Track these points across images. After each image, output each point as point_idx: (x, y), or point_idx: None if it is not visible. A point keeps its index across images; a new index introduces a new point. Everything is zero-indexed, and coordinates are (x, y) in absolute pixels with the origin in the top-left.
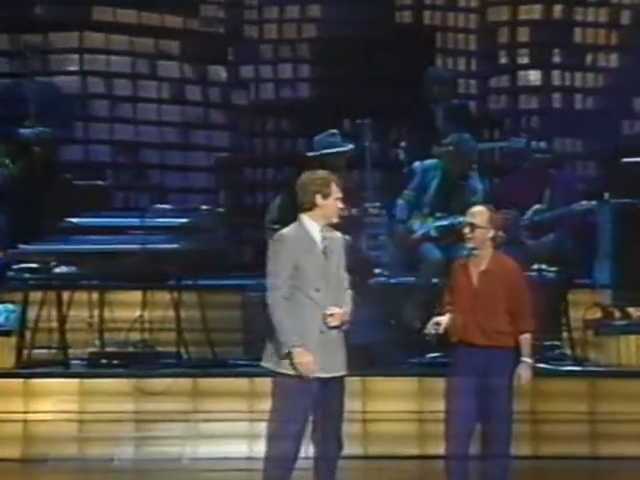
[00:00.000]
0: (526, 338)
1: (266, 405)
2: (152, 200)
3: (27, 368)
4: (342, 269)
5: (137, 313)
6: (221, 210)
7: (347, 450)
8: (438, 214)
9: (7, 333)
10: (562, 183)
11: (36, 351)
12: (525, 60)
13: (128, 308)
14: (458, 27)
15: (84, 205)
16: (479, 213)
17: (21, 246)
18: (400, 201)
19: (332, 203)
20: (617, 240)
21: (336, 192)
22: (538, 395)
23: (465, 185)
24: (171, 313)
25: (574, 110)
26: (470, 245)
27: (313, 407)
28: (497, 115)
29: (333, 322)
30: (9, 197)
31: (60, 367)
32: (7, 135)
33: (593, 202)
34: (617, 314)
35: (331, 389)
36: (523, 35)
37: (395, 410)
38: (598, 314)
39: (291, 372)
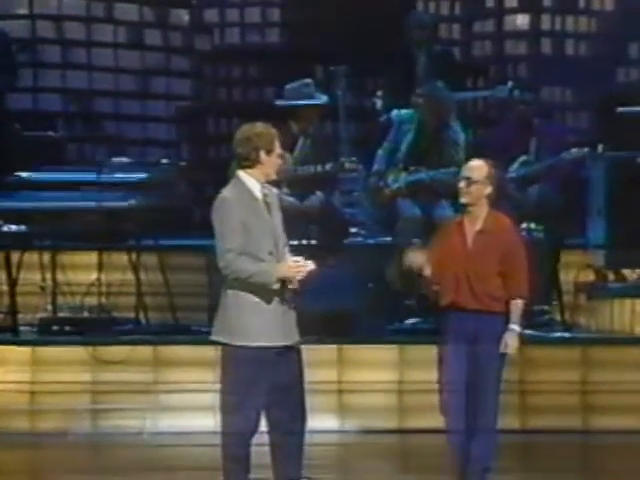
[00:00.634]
0: (517, 304)
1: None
2: (108, 153)
3: None
4: (282, 229)
5: (93, 276)
6: (183, 164)
7: (321, 424)
8: (412, 168)
9: None
10: (550, 133)
11: None
12: (512, 3)
13: (83, 270)
14: None
15: (34, 158)
16: (477, 167)
17: None
18: (379, 152)
19: (274, 160)
20: (611, 196)
21: (278, 147)
22: (526, 364)
23: (444, 137)
24: (130, 276)
25: (565, 56)
26: (464, 201)
27: (271, 378)
28: (482, 62)
29: (294, 283)
30: None
31: (9, 334)
32: None
33: (585, 149)
34: (611, 276)
35: (289, 357)
36: None
37: (373, 380)
38: (590, 276)
39: (247, 343)
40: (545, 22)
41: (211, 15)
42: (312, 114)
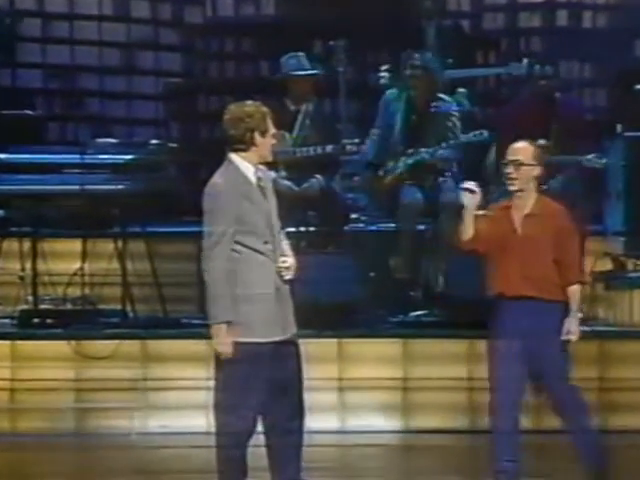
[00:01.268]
0: (575, 290)
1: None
2: (92, 133)
3: None
4: (277, 214)
5: (76, 265)
6: (173, 145)
7: (321, 423)
8: (410, 151)
9: None
10: (570, 113)
11: None
12: None
13: (65, 259)
14: None
15: (12, 139)
16: (522, 149)
17: None
18: (368, 142)
19: (269, 140)
20: (631, 179)
21: (272, 126)
22: None
23: (436, 111)
24: (115, 265)
25: (581, 29)
26: (513, 187)
27: (268, 375)
28: (493, 35)
29: (289, 274)
30: None
31: None
32: None
33: (603, 160)
34: (630, 265)
35: (286, 352)
36: None
37: (375, 377)
38: (608, 265)
39: (242, 339)
40: None
41: None
42: (305, 87)
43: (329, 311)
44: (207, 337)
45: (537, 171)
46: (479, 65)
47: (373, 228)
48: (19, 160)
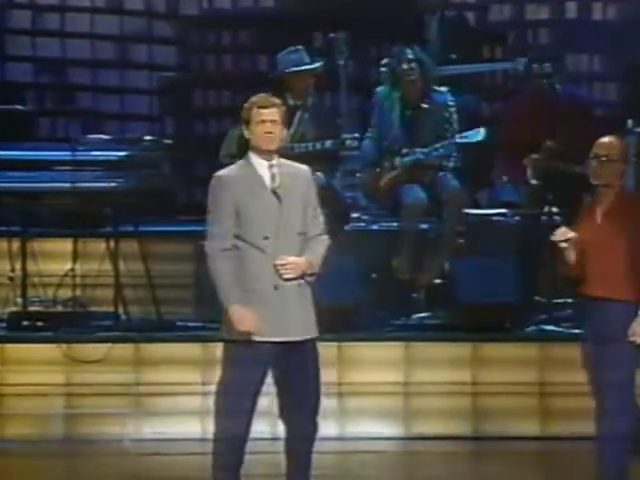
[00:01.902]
0: None
1: None
2: (84, 129)
3: None
4: (308, 210)
5: (67, 265)
6: (167, 141)
7: (320, 430)
8: (404, 150)
9: None
10: (578, 107)
11: None
12: None
13: (56, 259)
14: None
15: (1, 134)
16: (610, 145)
17: None
18: (365, 142)
19: (255, 129)
20: None
21: (257, 115)
22: (547, 364)
23: (431, 105)
24: (108, 266)
25: (591, 21)
26: (598, 182)
27: (275, 378)
28: (499, 28)
29: (288, 273)
30: None
31: None
32: None
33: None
34: None
35: (296, 356)
36: None
37: (376, 381)
38: None
39: (237, 337)
40: None
41: None
42: (304, 82)
43: (328, 313)
44: (203, 340)
45: (622, 167)
46: (485, 60)
47: (374, 227)
48: (8, 157)
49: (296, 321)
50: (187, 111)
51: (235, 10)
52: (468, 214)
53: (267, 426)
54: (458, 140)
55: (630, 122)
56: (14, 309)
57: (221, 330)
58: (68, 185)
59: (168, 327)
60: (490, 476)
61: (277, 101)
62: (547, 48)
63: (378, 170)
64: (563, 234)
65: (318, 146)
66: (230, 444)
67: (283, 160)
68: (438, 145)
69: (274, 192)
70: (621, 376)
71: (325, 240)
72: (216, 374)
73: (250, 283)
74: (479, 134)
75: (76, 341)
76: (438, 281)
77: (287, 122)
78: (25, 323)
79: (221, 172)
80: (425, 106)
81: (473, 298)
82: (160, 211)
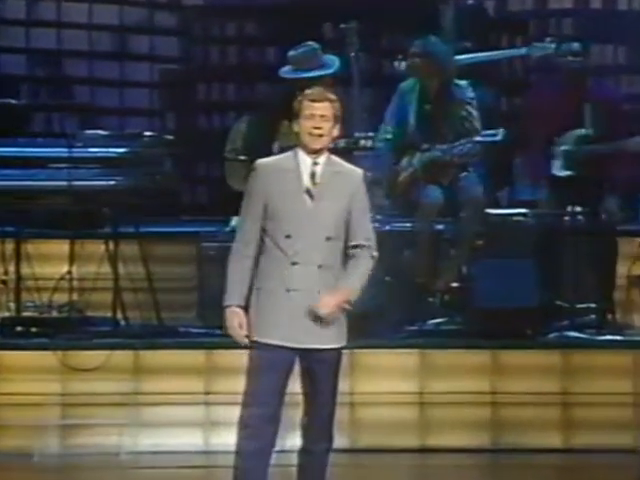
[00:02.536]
0: None
1: (226, 385)
2: (81, 124)
3: None
4: (352, 216)
5: (63, 268)
6: (169, 137)
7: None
8: (424, 146)
9: None
10: (606, 98)
11: None
12: None
13: (52, 262)
14: None
15: None
16: None
17: None
18: (381, 137)
19: (303, 123)
20: None
21: (306, 108)
22: (570, 372)
23: (451, 99)
24: (106, 268)
25: (616, 11)
26: None
27: (302, 385)
28: (520, 17)
29: (325, 310)
30: None
31: None
32: None
33: None
34: None
35: (313, 365)
36: None
37: (390, 391)
38: None
39: (257, 338)
40: None
41: None
42: (322, 85)
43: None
44: (206, 347)
45: None
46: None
47: (388, 228)
48: (1, 153)
49: (309, 328)
50: (190, 105)
51: None
52: (487, 214)
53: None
54: (479, 139)
55: None
56: (7, 314)
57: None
58: (64, 183)
59: (170, 333)
60: None
61: (332, 96)
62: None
63: (394, 167)
64: None
65: (330, 145)
66: (250, 457)
67: (334, 158)
68: (457, 143)
69: (307, 191)
70: None
71: (367, 257)
72: (220, 383)
73: (264, 281)
74: (499, 134)
75: (72, 348)
76: (455, 285)
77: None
78: (19, 329)
79: (260, 161)
80: (443, 101)
81: (492, 303)
82: (161, 211)
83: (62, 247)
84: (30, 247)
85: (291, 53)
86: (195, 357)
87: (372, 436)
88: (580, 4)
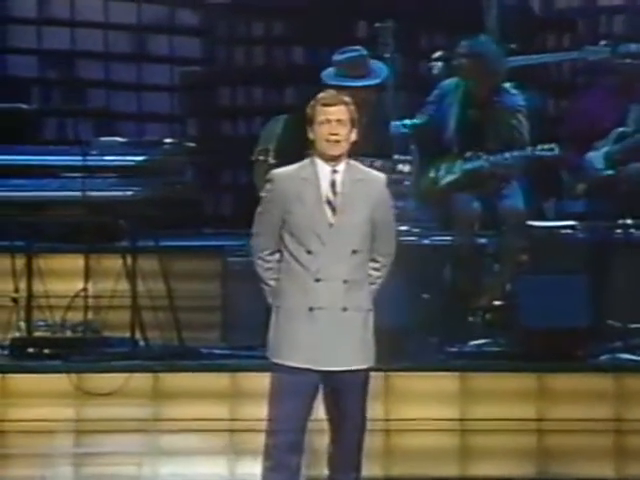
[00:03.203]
0: None
1: (252, 410)
2: (96, 130)
3: None
4: (378, 226)
5: (77, 285)
6: (191, 144)
7: (363, 471)
8: (467, 154)
9: None
10: None
11: None
12: None
13: (65, 278)
14: None
15: (2, 136)
16: None
17: None
18: (417, 123)
19: (318, 130)
20: None
21: (320, 113)
22: (622, 397)
23: (500, 105)
24: (124, 285)
25: None
26: None
27: (327, 410)
28: (568, 16)
29: None
30: None
31: None
32: None
33: None
34: None
35: (338, 388)
36: None
37: (428, 417)
38: None
39: (277, 360)
40: None
41: None
42: (366, 95)
43: (375, 340)
44: (231, 370)
45: None
46: (551, 51)
47: (426, 242)
48: (10, 162)
49: (333, 349)
50: (213, 110)
51: None
52: (532, 226)
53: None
54: (529, 154)
55: None
56: (17, 335)
57: (269, 350)
58: (78, 194)
59: (192, 355)
60: None
61: (346, 98)
62: (622, 39)
63: (433, 174)
64: None
65: (366, 162)
66: None
67: (355, 164)
68: (507, 155)
69: (328, 202)
70: None
71: (380, 277)
72: (246, 408)
73: (285, 299)
74: (554, 150)
75: (88, 371)
76: (498, 302)
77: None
78: (30, 351)
79: (277, 170)
80: (491, 107)
81: (538, 322)
82: (183, 223)
83: (76, 262)
84: (42, 262)
85: (337, 57)
86: (219, 380)
87: (408, 465)
88: (632, 1)
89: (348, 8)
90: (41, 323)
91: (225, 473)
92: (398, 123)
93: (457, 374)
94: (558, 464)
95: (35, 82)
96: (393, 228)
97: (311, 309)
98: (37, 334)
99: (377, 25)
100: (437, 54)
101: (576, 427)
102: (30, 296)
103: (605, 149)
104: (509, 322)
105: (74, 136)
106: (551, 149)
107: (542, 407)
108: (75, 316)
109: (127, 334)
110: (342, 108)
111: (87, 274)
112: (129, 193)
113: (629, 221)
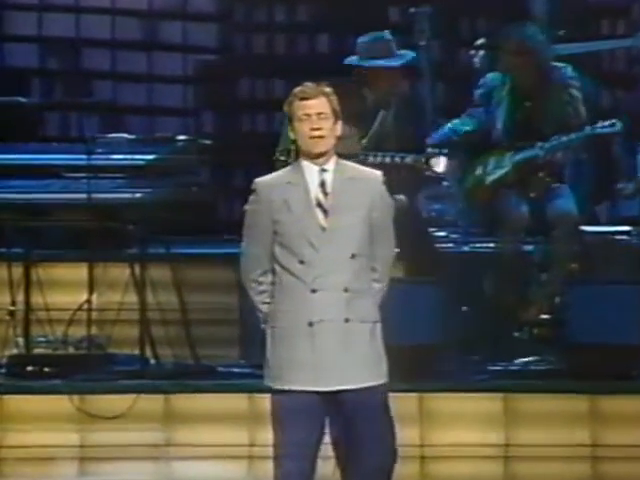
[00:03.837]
0: None
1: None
2: (102, 127)
3: None
4: (374, 228)
5: (81, 297)
6: (205, 142)
7: None
8: (518, 144)
9: None
10: None
11: None
12: None
13: (67, 289)
14: None
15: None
16: None
17: None
18: (462, 136)
19: (299, 127)
20: None
21: (298, 108)
22: None
23: (548, 85)
24: (132, 297)
25: None
26: None
27: (334, 435)
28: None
29: None
30: None
31: None
32: None
33: None
34: None
35: (347, 409)
36: None
37: (468, 442)
38: None
39: (275, 385)
40: None
41: None
42: (390, 80)
43: (407, 357)
44: (250, 391)
45: None
46: (603, 38)
47: (466, 249)
48: (8, 161)
49: (338, 366)
50: (231, 104)
51: None
52: (584, 232)
53: None
54: (588, 132)
55: None
56: (15, 352)
57: (266, 375)
58: (82, 196)
59: (207, 374)
60: None
61: (326, 89)
62: None
63: (478, 172)
64: None
65: (397, 159)
66: None
67: (345, 163)
68: (564, 138)
69: (319, 204)
70: None
71: (379, 291)
72: (266, 433)
73: (280, 318)
74: (615, 126)
75: (92, 392)
76: (547, 316)
77: (362, 122)
78: (29, 369)
79: (260, 179)
80: (543, 95)
81: (591, 338)
82: (197, 229)
83: (79, 271)
84: (42, 272)
85: (359, 40)
86: (237, 402)
87: None
88: None
89: None
90: (41, 339)
91: None
92: (447, 129)
93: (500, 395)
94: None
95: (35, 73)
96: (392, 230)
97: (310, 324)
98: (36, 351)
99: (412, 10)
100: (479, 42)
101: (633, 454)
102: (29, 309)
103: None
104: (558, 338)
105: (78, 133)
106: (612, 125)
107: (595, 432)
108: (78, 331)
109: (135, 351)
110: (322, 100)
111: (91, 284)
112: (138, 195)
113: None
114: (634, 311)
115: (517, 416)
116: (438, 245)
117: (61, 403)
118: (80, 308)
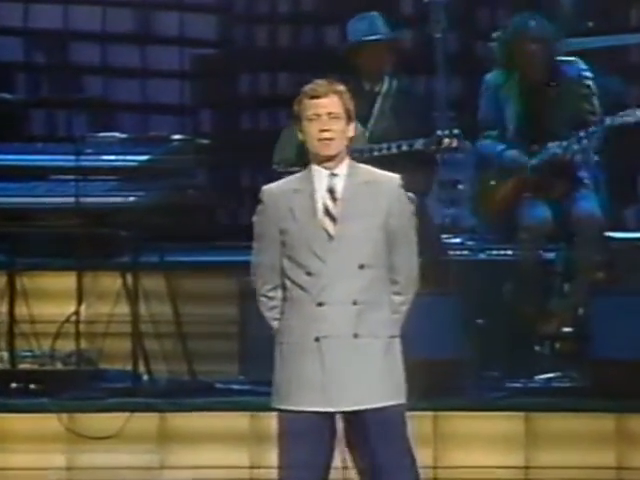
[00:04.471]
0: None
1: (275, 456)
2: (92, 125)
3: None
4: (391, 236)
5: (69, 308)
6: (203, 141)
7: None
8: (534, 147)
9: None
10: None
11: None
12: None
13: (55, 300)
14: None
15: None
16: None
17: None
18: (486, 142)
19: (308, 128)
20: None
21: (308, 108)
22: None
23: (559, 80)
24: (124, 308)
25: None
26: None
27: (354, 461)
28: None
29: None
30: None
31: None
32: None
33: None
34: None
35: (358, 430)
36: None
37: (486, 464)
38: None
39: (280, 405)
40: None
41: None
42: (379, 58)
43: (420, 374)
44: (251, 409)
45: None
46: (628, 30)
47: (483, 257)
48: None
49: (347, 385)
50: (230, 101)
51: None
52: (610, 238)
53: None
54: (610, 123)
55: None
56: None
57: (273, 394)
58: (71, 200)
59: (204, 391)
60: None
61: (338, 87)
62: None
63: (493, 179)
64: None
65: (405, 147)
66: None
67: (359, 166)
68: (582, 134)
69: (327, 211)
70: None
71: (404, 304)
72: (269, 454)
73: (287, 334)
74: (637, 114)
75: (81, 410)
76: (569, 329)
77: (365, 115)
78: (13, 386)
79: (267, 187)
80: (554, 85)
81: (617, 353)
82: (194, 235)
83: (67, 281)
84: (27, 281)
85: (349, 24)
86: (237, 421)
87: None
88: None
89: None
90: (26, 353)
91: None
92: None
93: (521, 414)
94: None
95: (21, 67)
96: (413, 237)
97: (317, 339)
98: (21, 366)
99: (427, 0)
100: (497, 34)
101: None
102: (13, 321)
103: None
104: (582, 352)
105: (66, 131)
106: (635, 113)
107: (622, 453)
108: (66, 345)
109: (128, 366)
110: (334, 99)
111: (80, 295)
112: (130, 199)
113: None
114: None
115: (538, 436)
116: (452, 253)
117: (48, 422)
118: (68, 320)
